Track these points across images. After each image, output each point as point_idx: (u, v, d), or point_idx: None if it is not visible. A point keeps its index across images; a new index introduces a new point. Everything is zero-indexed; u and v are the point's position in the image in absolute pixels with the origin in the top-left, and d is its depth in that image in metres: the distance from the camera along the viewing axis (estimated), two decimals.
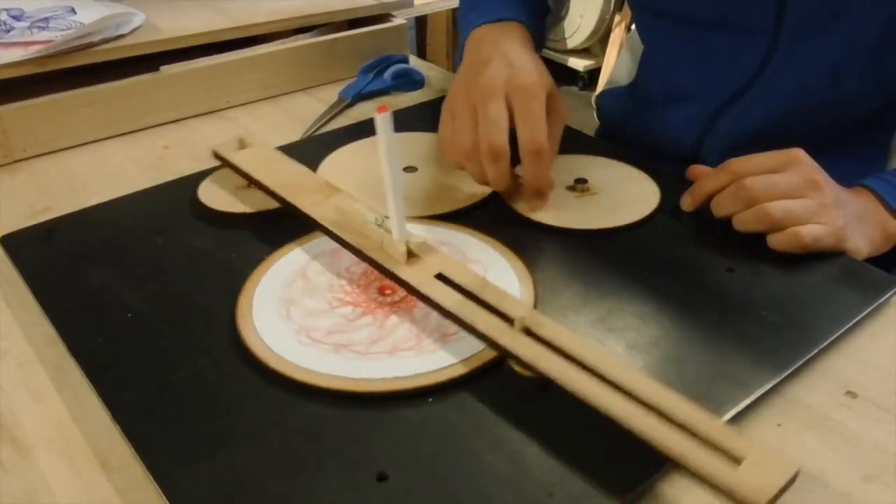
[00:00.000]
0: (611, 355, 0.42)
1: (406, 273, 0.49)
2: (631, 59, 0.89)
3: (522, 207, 0.60)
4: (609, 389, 0.39)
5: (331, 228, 0.53)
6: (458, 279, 0.48)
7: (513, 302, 0.46)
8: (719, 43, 0.70)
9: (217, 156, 0.64)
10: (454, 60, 0.75)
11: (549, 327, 0.43)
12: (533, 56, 0.64)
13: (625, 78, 0.90)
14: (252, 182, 0.60)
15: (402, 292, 0.50)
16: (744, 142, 0.70)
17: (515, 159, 0.58)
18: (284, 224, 0.57)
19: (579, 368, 0.41)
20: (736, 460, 0.35)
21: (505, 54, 0.62)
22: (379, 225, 0.51)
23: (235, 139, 0.64)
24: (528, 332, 0.44)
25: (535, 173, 0.58)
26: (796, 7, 0.63)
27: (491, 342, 0.44)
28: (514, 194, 0.61)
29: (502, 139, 0.57)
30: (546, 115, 0.58)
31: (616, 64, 0.97)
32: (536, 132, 0.57)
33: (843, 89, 0.65)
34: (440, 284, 0.48)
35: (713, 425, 0.37)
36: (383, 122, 0.45)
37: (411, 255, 0.50)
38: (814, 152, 0.56)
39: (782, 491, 0.34)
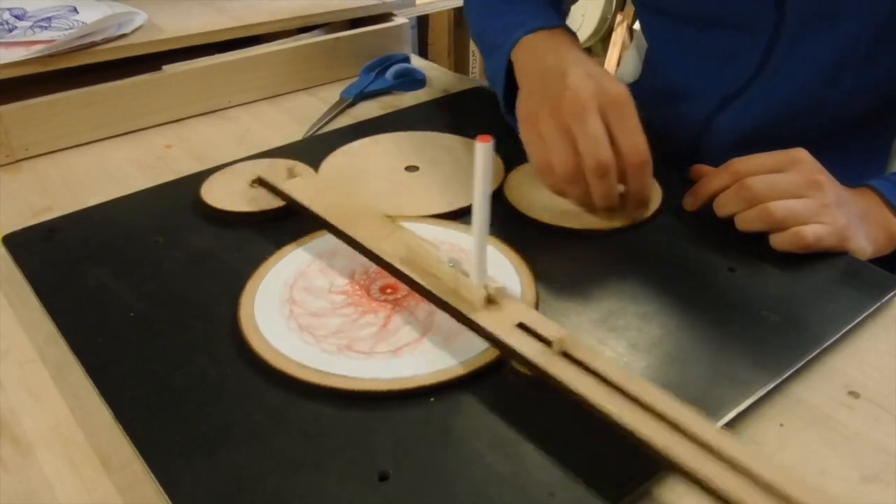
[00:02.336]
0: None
1: (484, 320, 0.45)
2: (637, 57, 0.89)
3: (521, 202, 0.60)
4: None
5: (399, 267, 0.49)
6: (540, 330, 0.44)
7: (601, 359, 0.42)
8: (719, 41, 0.70)
9: (264, 183, 0.61)
10: (487, 76, 0.71)
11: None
12: (598, 65, 0.61)
13: (629, 76, 0.90)
14: (308, 213, 0.56)
15: (403, 292, 0.50)
16: (742, 141, 0.70)
17: None
18: (286, 223, 0.57)
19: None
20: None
21: (577, 64, 0.59)
22: (453, 267, 0.47)
23: (284, 168, 0.61)
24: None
25: (641, 185, 0.57)
26: (796, 6, 0.63)
27: (579, 396, 0.40)
28: (616, 209, 0.58)
29: (608, 154, 0.54)
30: None
31: (622, 61, 0.97)
32: (639, 143, 0.55)
33: (842, 89, 0.65)
34: (523, 335, 0.44)
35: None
36: (484, 152, 0.40)
37: (490, 301, 0.46)
38: (812, 152, 0.56)
39: None
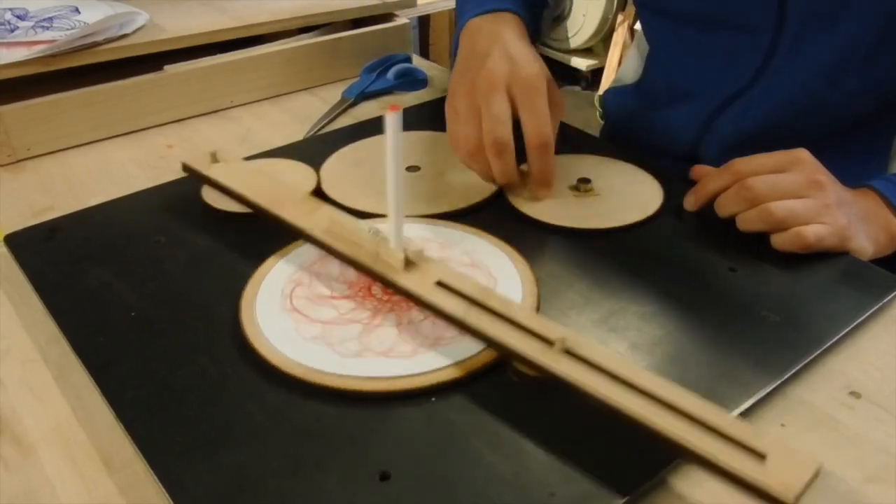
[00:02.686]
0: (620, 355, 0.42)
1: (405, 281, 0.48)
2: (638, 57, 0.89)
3: (522, 202, 0.60)
4: (622, 387, 0.39)
5: (323, 238, 0.52)
6: (458, 287, 0.47)
7: (518, 308, 0.45)
8: (720, 42, 0.70)
9: (188, 169, 0.62)
10: (451, 54, 0.74)
11: (576, 339, 0.43)
12: (530, 47, 0.64)
13: (631, 76, 0.90)
14: (234, 196, 0.58)
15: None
16: (742, 141, 0.70)
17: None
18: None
19: (596, 372, 0.40)
20: (759, 457, 0.35)
21: (503, 46, 0.62)
22: (373, 234, 0.50)
23: (207, 154, 0.62)
24: (533, 333, 0.43)
25: (542, 166, 0.59)
26: (797, 7, 0.63)
27: (498, 344, 0.43)
28: (517, 188, 0.61)
29: (506, 133, 0.57)
30: None
31: (624, 61, 0.97)
32: (542, 125, 0.58)
33: (843, 90, 0.65)
34: (442, 292, 0.47)
35: (733, 423, 0.37)
36: (393, 121, 0.43)
37: (409, 263, 0.49)
38: (813, 152, 0.56)
39: (807, 486, 0.34)
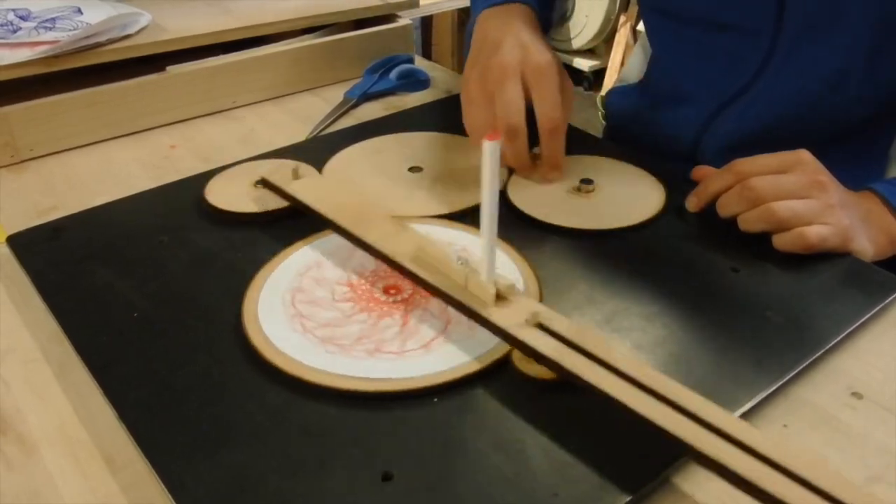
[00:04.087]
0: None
1: (496, 316, 0.45)
2: (642, 57, 0.89)
3: (523, 202, 0.61)
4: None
5: (409, 267, 0.50)
6: (551, 325, 0.44)
7: (615, 352, 0.42)
8: (721, 43, 0.70)
9: (268, 184, 0.61)
10: (464, 46, 0.75)
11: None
12: (542, 36, 0.66)
13: (635, 76, 0.90)
14: (315, 215, 0.56)
15: (407, 292, 0.50)
16: (743, 142, 0.70)
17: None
18: (290, 223, 0.57)
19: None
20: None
21: (515, 35, 0.64)
22: (462, 265, 0.47)
23: (289, 169, 0.61)
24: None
25: (553, 149, 0.61)
26: (796, 10, 0.63)
27: (596, 390, 0.40)
28: (528, 171, 0.63)
29: (519, 119, 0.59)
30: None
31: (628, 61, 0.97)
32: (553, 110, 0.60)
33: (843, 94, 0.65)
34: (534, 329, 0.44)
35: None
36: (491, 151, 0.41)
37: (500, 297, 0.46)
38: (813, 154, 0.56)
39: None
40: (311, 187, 0.59)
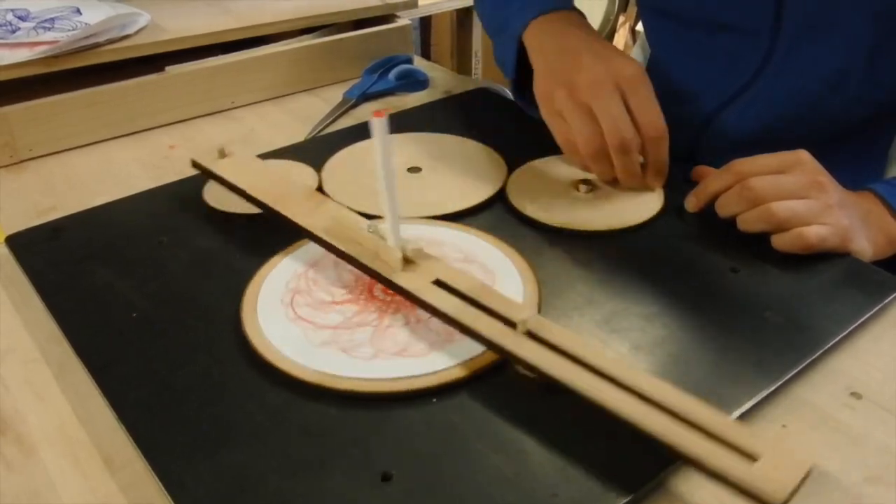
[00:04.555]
0: (615, 356, 0.42)
1: (403, 279, 0.48)
2: (641, 58, 0.89)
3: (523, 203, 0.60)
4: (617, 390, 0.39)
5: (323, 237, 0.52)
6: (456, 285, 0.47)
7: (515, 306, 0.46)
8: (720, 43, 0.70)
9: (197, 165, 0.62)
10: (502, 61, 0.72)
11: (552, 330, 0.43)
12: (609, 42, 0.64)
13: None
14: (238, 192, 0.58)
15: None
16: (743, 141, 0.70)
17: None
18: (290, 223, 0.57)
19: (585, 370, 0.41)
20: (749, 457, 0.35)
21: (589, 44, 0.62)
22: (372, 232, 0.50)
23: (215, 149, 0.62)
24: (532, 334, 0.43)
25: (659, 156, 0.60)
26: (794, 11, 0.63)
27: (494, 346, 0.44)
28: (639, 182, 0.62)
29: (631, 132, 0.58)
30: None
31: None
32: (656, 117, 0.59)
33: (842, 94, 0.65)
34: (439, 290, 0.47)
35: (724, 422, 0.37)
36: (379, 126, 0.44)
37: (407, 261, 0.49)
38: (812, 154, 0.56)
39: (798, 487, 0.34)
40: (236, 167, 0.61)
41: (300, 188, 0.58)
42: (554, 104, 0.61)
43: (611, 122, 0.58)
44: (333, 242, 0.51)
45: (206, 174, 0.61)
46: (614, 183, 0.62)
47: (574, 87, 0.59)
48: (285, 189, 0.57)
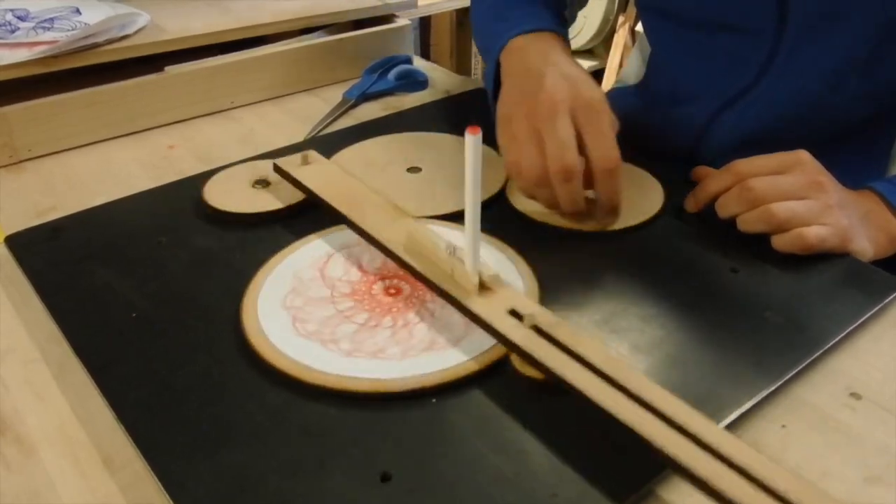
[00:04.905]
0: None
1: (477, 306, 0.46)
2: (640, 58, 0.89)
3: (523, 203, 0.60)
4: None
5: (399, 254, 0.50)
6: (534, 317, 0.45)
7: (584, 342, 0.43)
8: (722, 44, 0.70)
9: (279, 170, 0.61)
10: (484, 74, 0.71)
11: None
12: (582, 68, 0.61)
13: (633, 77, 0.90)
14: (318, 201, 0.57)
15: (406, 293, 0.50)
16: (743, 142, 0.70)
17: None
18: (289, 223, 0.57)
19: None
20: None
21: (557, 67, 0.59)
22: (450, 254, 0.48)
23: (299, 155, 0.61)
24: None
25: (610, 190, 0.56)
26: (798, 10, 0.63)
27: (564, 382, 0.41)
28: (583, 215, 0.58)
29: (573, 159, 0.54)
30: None
31: (627, 63, 0.97)
32: (609, 148, 0.55)
33: (843, 94, 0.65)
34: (512, 320, 0.45)
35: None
36: (473, 143, 0.41)
37: (483, 287, 0.47)
38: (813, 155, 0.56)
39: None
40: (316, 174, 0.60)
41: (378, 200, 0.56)
42: (510, 126, 0.58)
43: (555, 147, 0.54)
44: (408, 260, 0.49)
45: (288, 180, 0.60)
46: (563, 213, 0.58)
47: (530, 109, 0.57)
48: (364, 199, 0.56)
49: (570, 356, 0.41)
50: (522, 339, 0.43)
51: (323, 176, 0.60)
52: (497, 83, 0.67)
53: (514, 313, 0.45)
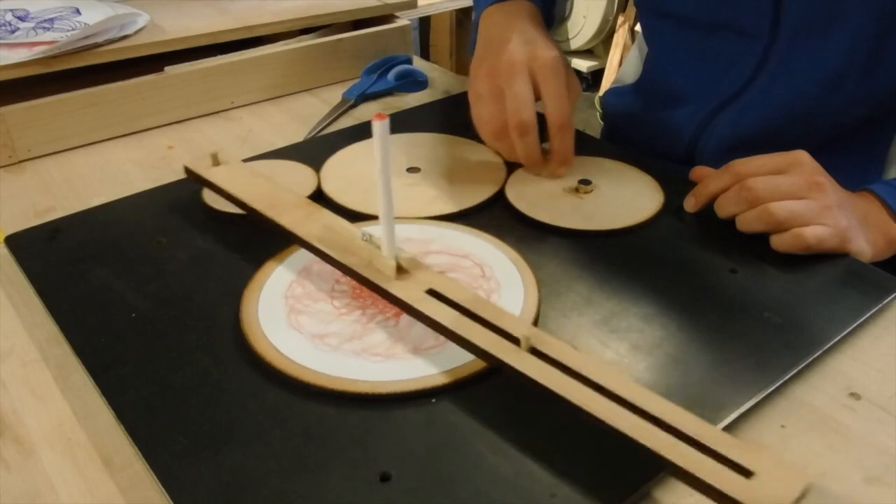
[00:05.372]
0: (612, 368, 0.41)
1: (396, 289, 0.47)
2: (639, 58, 0.89)
3: (523, 203, 0.61)
4: (616, 405, 0.39)
5: (316, 245, 0.52)
6: (450, 295, 0.47)
7: (509, 317, 0.45)
8: (718, 45, 0.70)
9: (190, 172, 0.62)
10: (469, 43, 0.76)
11: (552, 344, 0.42)
12: (546, 33, 0.67)
13: (631, 76, 0.90)
14: (231, 200, 0.58)
15: None
16: (740, 143, 0.70)
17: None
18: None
19: (584, 384, 0.40)
20: (746, 473, 0.35)
21: (521, 31, 0.65)
22: (367, 241, 0.49)
23: (207, 155, 0.62)
24: (533, 350, 0.43)
25: (563, 145, 0.62)
26: (792, 12, 0.63)
27: (491, 358, 0.43)
28: (539, 167, 0.64)
29: (530, 114, 0.60)
30: None
31: (625, 62, 0.97)
32: (562, 106, 0.61)
33: (838, 95, 0.65)
34: (433, 300, 0.46)
35: (721, 437, 0.36)
36: (380, 129, 0.43)
37: (401, 270, 0.48)
38: (811, 155, 0.56)
39: (797, 501, 0.34)
40: (230, 174, 0.61)
41: (293, 196, 0.57)
42: (476, 85, 0.64)
43: (514, 102, 0.60)
44: (326, 251, 0.51)
45: (199, 181, 0.61)
46: (520, 164, 0.64)
47: (493, 69, 0.62)
48: (280, 196, 0.57)
49: (505, 338, 0.43)
50: (449, 320, 0.45)
51: (237, 176, 0.60)
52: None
53: (434, 293, 0.47)
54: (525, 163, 0.63)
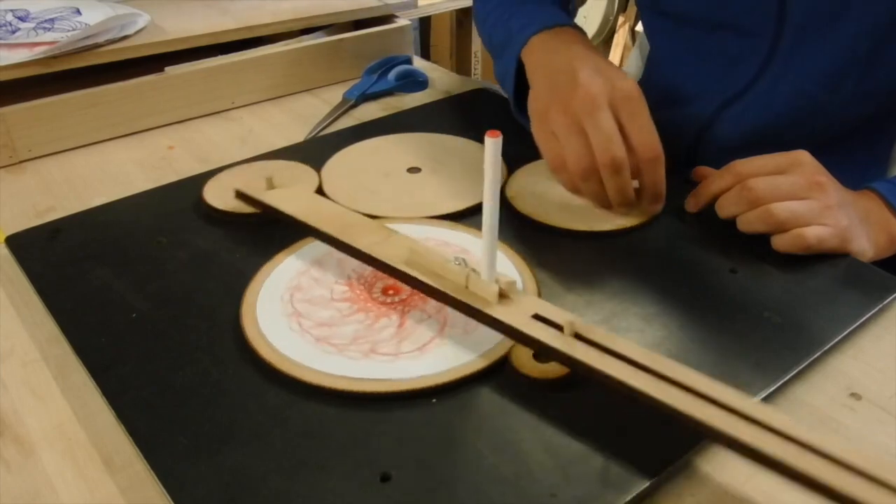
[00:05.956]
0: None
1: (501, 314, 0.45)
2: (640, 58, 0.89)
3: (522, 203, 0.60)
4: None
5: (407, 271, 0.49)
6: (556, 319, 0.44)
7: (619, 341, 0.42)
8: (721, 44, 0.70)
9: (243, 196, 0.59)
10: (495, 69, 0.72)
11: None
12: (609, 60, 0.61)
13: (632, 76, 0.90)
14: (299, 225, 0.55)
15: (405, 293, 0.50)
16: (743, 143, 0.70)
17: None
18: (289, 224, 0.57)
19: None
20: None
21: (587, 61, 0.60)
22: (460, 265, 0.47)
23: (262, 179, 0.60)
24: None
25: (655, 179, 0.57)
26: (796, 11, 0.63)
27: (608, 378, 0.40)
28: (632, 206, 0.59)
29: (621, 151, 0.55)
30: None
31: (626, 63, 0.97)
32: (651, 138, 0.56)
33: (842, 95, 0.65)
34: (540, 325, 0.44)
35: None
36: (493, 147, 0.41)
37: (502, 295, 0.46)
38: (813, 155, 0.56)
39: None
40: (287, 197, 0.58)
41: (358, 217, 0.55)
42: (548, 123, 0.58)
43: (602, 139, 0.55)
44: (418, 276, 0.48)
45: (254, 205, 0.59)
46: (608, 206, 0.59)
47: (567, 104, 0.57)
48: (347, 219, 0.55)
49: (607, 354, 0.41)
50: (559, 343, 0.42)
51: (293, 198, 0.58)
52: (519, 82, 0.67)
53: (539, 317, 0.44)
54: (617, 203, 0.58)
